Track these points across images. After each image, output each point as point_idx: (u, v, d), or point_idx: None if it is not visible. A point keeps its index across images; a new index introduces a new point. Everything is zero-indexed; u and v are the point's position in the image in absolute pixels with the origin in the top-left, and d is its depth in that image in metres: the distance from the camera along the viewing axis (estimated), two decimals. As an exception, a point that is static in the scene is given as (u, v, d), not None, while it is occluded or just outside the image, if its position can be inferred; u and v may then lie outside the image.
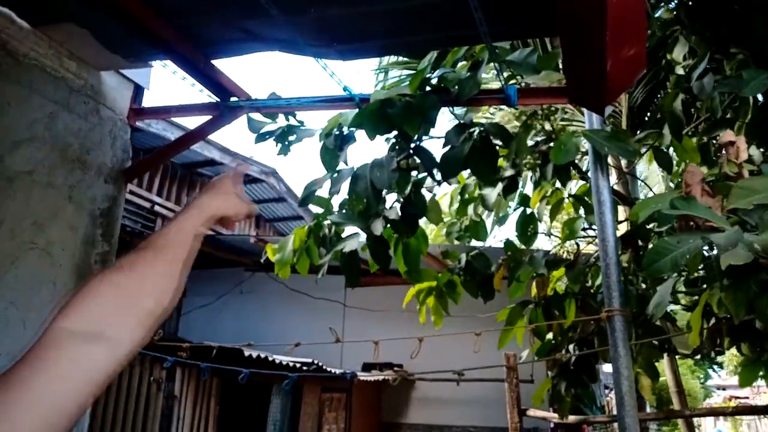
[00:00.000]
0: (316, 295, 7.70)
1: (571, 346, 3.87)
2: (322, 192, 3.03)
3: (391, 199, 3.16)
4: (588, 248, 4.02)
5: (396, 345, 4.00)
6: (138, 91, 3.37)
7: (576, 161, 3.28)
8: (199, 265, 5.83)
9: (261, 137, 2.97)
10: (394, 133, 2.68)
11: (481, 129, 2.59)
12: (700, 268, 2.79)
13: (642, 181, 4.41)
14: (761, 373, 2.98)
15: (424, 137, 2.84)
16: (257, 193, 9.32)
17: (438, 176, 3.09)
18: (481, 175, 2.58)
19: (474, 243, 3.98)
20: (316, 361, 5.16)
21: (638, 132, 4.89)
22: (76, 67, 2.98)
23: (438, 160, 2.73)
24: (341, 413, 7.24)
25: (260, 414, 5.90)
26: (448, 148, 2.58)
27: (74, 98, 2.99)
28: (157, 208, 7.89)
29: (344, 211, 3.13)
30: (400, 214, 3.03)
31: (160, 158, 3.44)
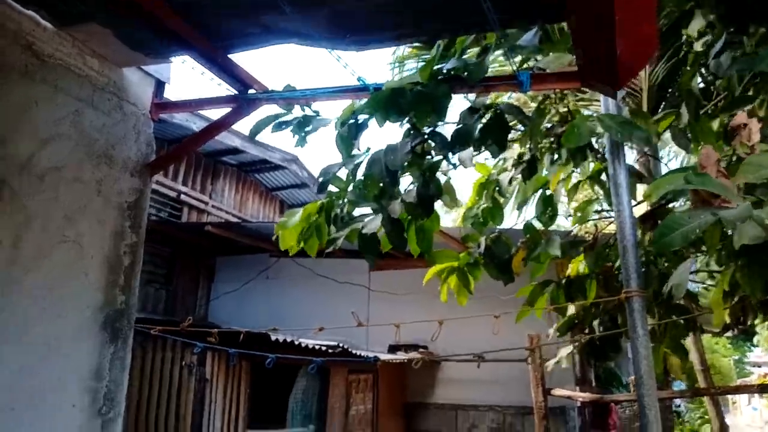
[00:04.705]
0: (340, 279, 7.81)
1: (595, 323, 3.90)
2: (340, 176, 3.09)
3: (407, 183, 3.21)
4: (609, 228, 4.01)
5: (421, 327, 4.07)
6: (159, 85, 3.46)
7: (593, 142, 3.27)
8: (226, 252, 6.00)
9: (278, 126, 3.03)
10: (407, 119, 2.71)
11: (495, 108, 2.61)
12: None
13: (659, 160, 4.36)
14: None
15: (438, 123, 2.88)
16: (280, 179, 9.44)
17: (453, 159, 3.13)
18: (491, 149, 2.61)
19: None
20: (341, 344, 5.27)
21: (659, 111, 4.82)
22: (98, 65, 3.07)
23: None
24: (368, 394, 7.37)
25: (290, 395, 6.06)
26: (461, 126, 2.62)
27: (98, 95, 3.09)
28: (183, 197, 8.06)
29: (359, 190, 3.19)
30: (416, 197, 3.08)
31: (183, 150, 3.54)
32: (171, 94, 4.21)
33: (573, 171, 3.41)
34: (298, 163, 9.12)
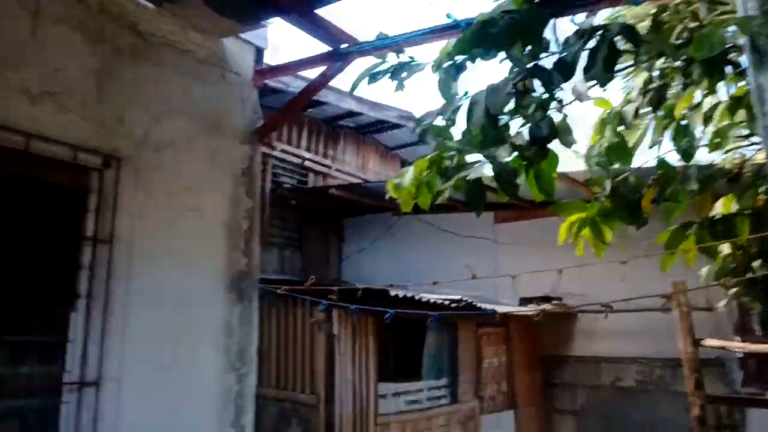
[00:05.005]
0: (464, 233, 7.68)
1: (755, 263, 3.46)
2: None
3: (518, 125, 3.00)
4: (759, 157, 3.47)
5: (553, 278, 3.85)
6: (259, 53, 3.53)
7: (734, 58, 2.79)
8: (352, 213, 6.14)
9: (372, 77, 2.96)
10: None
11: (603, 31, 2.30)
12: None
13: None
14: None
15: (542, 55, 2.62)
16: (398, 138, 9.40)
17: (561, 95, 2.84)
18: (596, 76, 2.31)
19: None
20: (465, 298, 5.20)
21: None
22: (199, 38, 3.18)
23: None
24: (500, 347, 7.27)
25: (419, 349, 6.15)
26: (564, 54, 2.35)
27: (202, 68, 3.21)
28: (307, 163, 8.35)
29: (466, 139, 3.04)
30: (527, 139, 2.87)
31: (287, 114, 3.61)
32: (280, 60, 4.29)
33: (709, 93, 2.96)
34: (415, 120, 9.02)
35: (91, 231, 2.74)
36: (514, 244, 7.50)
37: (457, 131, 3.07)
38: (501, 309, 5.20)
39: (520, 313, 6.08)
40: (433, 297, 4.87)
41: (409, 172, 3.39)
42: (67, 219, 2.68)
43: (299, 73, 4.82)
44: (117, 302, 2.73)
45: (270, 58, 3.89)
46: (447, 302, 4.94)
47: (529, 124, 2.90)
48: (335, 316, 4.70)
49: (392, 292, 4.36)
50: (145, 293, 2.86)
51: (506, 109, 2.71)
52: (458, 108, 2.79)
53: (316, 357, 4.79)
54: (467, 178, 2.98)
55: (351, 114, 8.38)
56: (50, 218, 2.65)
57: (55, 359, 2.64)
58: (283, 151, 8.02)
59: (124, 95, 2.86)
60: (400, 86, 3.02)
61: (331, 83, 3.45)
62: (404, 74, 2.97)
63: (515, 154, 2.83)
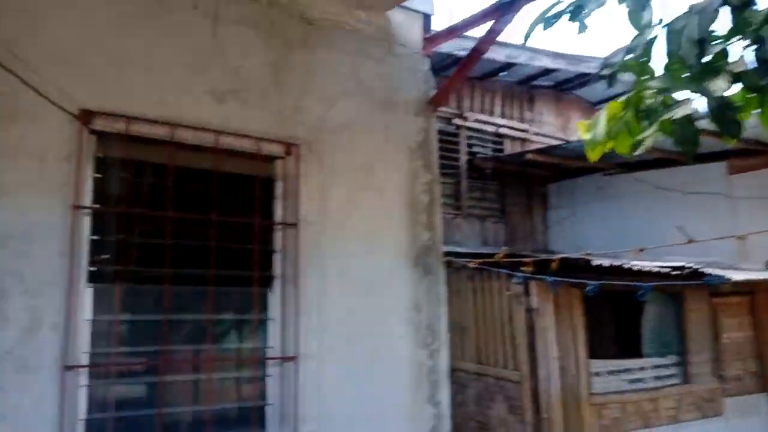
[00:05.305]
0: (688, 189, 6.66)
1: None
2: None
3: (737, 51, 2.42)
4: None
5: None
6: (426, 20, 3.39)
7: None
8: (555, 178, 5.79)
9: (548, 22, 2.62)
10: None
11: None
12: None
13: None
14: None
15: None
16: (602, 91, 8.49)
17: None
18: None
19: None
20: (689, 265, 4.47)
21: None
22: (364, 15, 3.16)
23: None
24: (744, 319, 6.22)
25: (639, 323, 5.53)
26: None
27: (370, 45, 3.19)
28: (501, 130, 8.04)
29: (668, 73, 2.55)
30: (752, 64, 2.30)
31: (460, 77, 3.40)
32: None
33: None
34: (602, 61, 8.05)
35: (279, 216, 2.92)
36: (760, 198, 6.30)
37: (655, 67, 2.61)
38: (737, 275, 4.38)
39: (761, 279, 5.08)
40: (646, 265, 4.29)
41: (602, 118, 2.98)
42: (259, 206, 2.88)
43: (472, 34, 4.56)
44: (308, 282, 2.87)
45: (445, 25, 3.73)
46: (665, 270, 4.31)
47: (754, 46, 2.33)
48: (533, 289, 4.42)
49: (595, 261, 3.93)
50: (333, 272, 2.96)
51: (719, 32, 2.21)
52: (653, 40, 2.34)
53: (516, 331, 4.57)
54: (673, 118, 2.50)
55: (546, 72, 7.83)
56: (245, 207, 2.88)
57: (261, 336, 2.88)
58: (476, 120, 7.83)
59: (299, 83, 2.97)
60: (582, 27, 2.65)
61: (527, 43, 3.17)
62: (585, 11, 2.59)
63: (737, 85, 2.30)
